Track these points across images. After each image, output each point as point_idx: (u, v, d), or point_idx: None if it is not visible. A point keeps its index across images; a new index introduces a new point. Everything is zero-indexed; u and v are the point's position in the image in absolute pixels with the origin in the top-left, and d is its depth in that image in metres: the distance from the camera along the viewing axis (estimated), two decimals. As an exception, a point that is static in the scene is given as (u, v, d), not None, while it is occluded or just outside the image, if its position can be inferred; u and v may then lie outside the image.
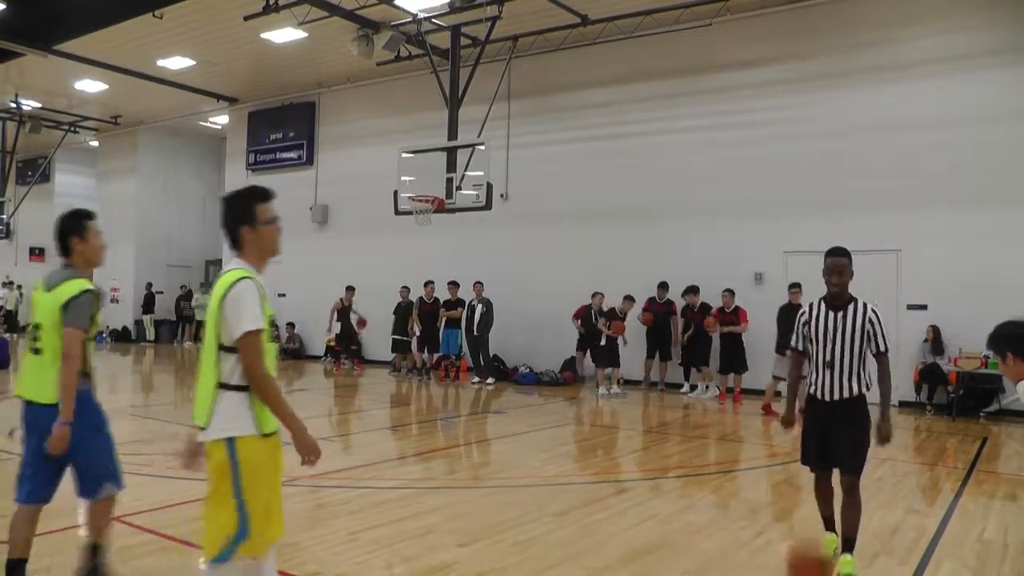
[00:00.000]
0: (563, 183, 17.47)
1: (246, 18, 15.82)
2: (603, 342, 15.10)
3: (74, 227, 4.43)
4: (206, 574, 3.41)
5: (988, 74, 13.31)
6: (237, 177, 24.11)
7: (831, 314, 5.15)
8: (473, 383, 16.33)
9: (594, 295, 15.74)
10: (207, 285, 25.54)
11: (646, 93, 16.61)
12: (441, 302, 17.15)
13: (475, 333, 16.40)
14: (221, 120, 25.63)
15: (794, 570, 4.32)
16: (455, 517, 6.39)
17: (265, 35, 17.48)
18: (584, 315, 15.85)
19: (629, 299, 15.47)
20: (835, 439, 5.13)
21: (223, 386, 3.41)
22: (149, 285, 26.17)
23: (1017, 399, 3.73)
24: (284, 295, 22.11)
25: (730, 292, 14.57)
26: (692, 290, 15.18)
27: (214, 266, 26.97)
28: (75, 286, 4.29)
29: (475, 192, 14.51)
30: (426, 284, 17.22)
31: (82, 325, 4.25)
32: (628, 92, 16.85)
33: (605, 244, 16.77)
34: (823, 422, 5.18)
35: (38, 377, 4.29)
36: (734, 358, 14.46)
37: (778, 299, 14.49)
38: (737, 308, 14.52)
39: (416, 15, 15.64)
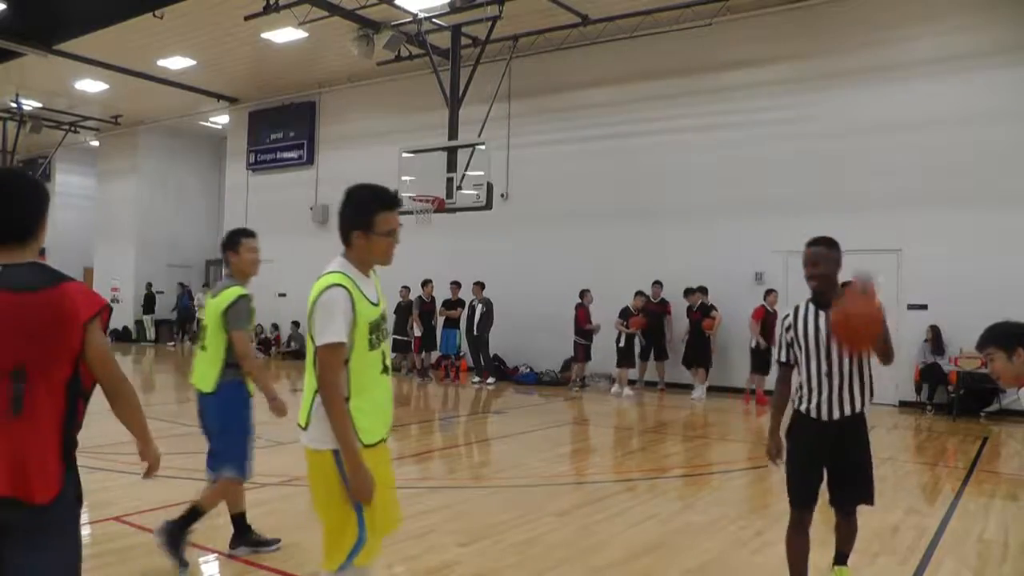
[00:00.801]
0: (563, 183, 17.47)
1: (246, 18, 15.84)
2: (622, 342, 15.13)
3: (230, 243, 5.14)
4: None
5: (988, 74, 13.32)
6: (238, 177, 24.17)
7: (821, 314, 4.27)
8: (473, 383, 16.34)
9: (583, 293, 15.79)
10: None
11: (646, 93, 16.61)
12: (440, 302, 17.17)
13: (475, 333, 16.41)
14: (221, 120, 25.63)
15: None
16: (455, 517, 6.39)
17: (265, 35, 17.49)
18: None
19: (641, 295, 15.47)
20: (843, 469, 4.32)
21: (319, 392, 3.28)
22: (149, 285, 26.18)
23: (1016, 399, 3.64)
24: (285, 295, 22.12)
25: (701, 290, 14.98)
26: (697, 290, 15.18)
27: (214, 266, 26.96)
28: (232, 293, 4.97)
29: (475, 192, 14.51)
30: (424, 283, 17.23)
31: (244, 326, 4.92)
32: (628, 92, 16.85)
33: (605, 244, 16.76)
34: (821, 447, 4.30)
35: (201, 369, 5.06)
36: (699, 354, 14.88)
37: (780, 299, 14.53)
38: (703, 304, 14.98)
39: (416, 15, 15.65)
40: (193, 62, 20.02)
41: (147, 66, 20.24)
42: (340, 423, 3.18)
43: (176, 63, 20.06)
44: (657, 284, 15.62)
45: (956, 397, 12.61)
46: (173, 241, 27.36)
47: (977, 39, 13.46)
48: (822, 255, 4.33)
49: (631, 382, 15.64)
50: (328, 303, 3.26)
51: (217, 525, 5.90)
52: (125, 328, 26.57)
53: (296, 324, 21.63)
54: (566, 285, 16.78)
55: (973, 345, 3.63)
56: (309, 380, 3.32)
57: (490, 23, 15.11)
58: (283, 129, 23.05)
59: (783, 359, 4.43)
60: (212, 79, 21.70)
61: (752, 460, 9.51)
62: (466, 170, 14.89)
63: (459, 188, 14.81)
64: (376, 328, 3.40)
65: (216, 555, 5.22)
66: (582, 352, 15.97)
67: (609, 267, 16.49)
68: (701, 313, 14.96)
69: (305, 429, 3.33)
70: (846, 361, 4.23)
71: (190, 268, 27.59)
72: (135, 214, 26.79)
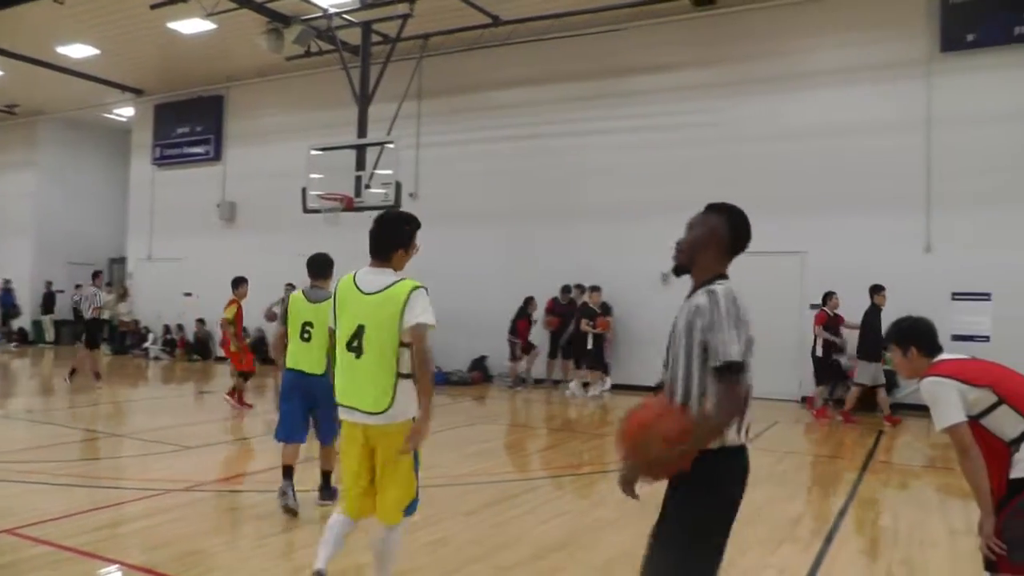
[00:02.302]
0: (475, 183, 17.50)
1: (152, 6, 15.41)
2: (590, 343, 14.87)
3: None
4: (389, 534, 4.25)
5: (886, 86, 13.85)
6: (143, 172, 23.44)
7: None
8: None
9: (528, 300, 15.85)
10: (112, 284, 24.72)
11: (558, 95, 16.76)
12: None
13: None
14: (126, 112, 24.79)
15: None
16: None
17: (172, 25, 17.04)
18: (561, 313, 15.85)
19: (597, 290, 15.48)
20: None
21: (401, 376, 4.03)
22: (49, 284, 25.12)
23: (909, 393, 3.88)
24: (191, 294, 21.61)
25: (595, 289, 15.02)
26: (586, 289, 15.33)
27: (118, 264, 26.08)
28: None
29: (384, 191, 14.42)
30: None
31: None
32: (541, 93, 16.98)
33: (518, 244, 16.84)
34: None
35: (314, 355, 6.35)
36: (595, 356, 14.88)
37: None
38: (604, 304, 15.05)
39: (327, 10, 15.47)
40: (96, 51, 19.29)
41: (46, 53, 19.37)
42: (431, 383, 4.09)
43: (78, 51, 19.30)
44: (566, 288, 15.81)
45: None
46: (74, 238, 26.22)
47: (876, 52, 14.00)
48: (692, 222, 3.19)
49: (538, 381, 15.75)
50: (425, 298, 4.07)
51: (121, 534, 5.76)
52: (22, 329, 25.38)
53: (202, 322, 21.07)
54: (476, 284, 16.82)
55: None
56: (386, 367, 4.02)
57: (401, 21, 15.03)
58: (190, 123, 22.44)
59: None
60: (116, 69, 20.97)
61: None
62: (375, 168, 14.80)
63: (368, 187, 14.68)
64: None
65: (118, 565, 5.07)
66: (518, 350, 15.95)
67: (519, 267, 16.57)
68: (579, 311, 15.11)
69: (386, 411, 4.01)
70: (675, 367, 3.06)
71: (93, 266, 26.57)
72: (33, 209, 25.57)
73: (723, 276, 3.03)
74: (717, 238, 3.09)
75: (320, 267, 6.83)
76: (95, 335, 15.20)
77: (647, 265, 15.36)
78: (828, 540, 5.95)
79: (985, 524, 3.57)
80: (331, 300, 4.37)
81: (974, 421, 3.58)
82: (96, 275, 15.85)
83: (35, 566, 5.00)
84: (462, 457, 9.13)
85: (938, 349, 3.82)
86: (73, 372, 14.87)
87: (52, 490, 6.88)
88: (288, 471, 6.39)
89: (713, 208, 3.18)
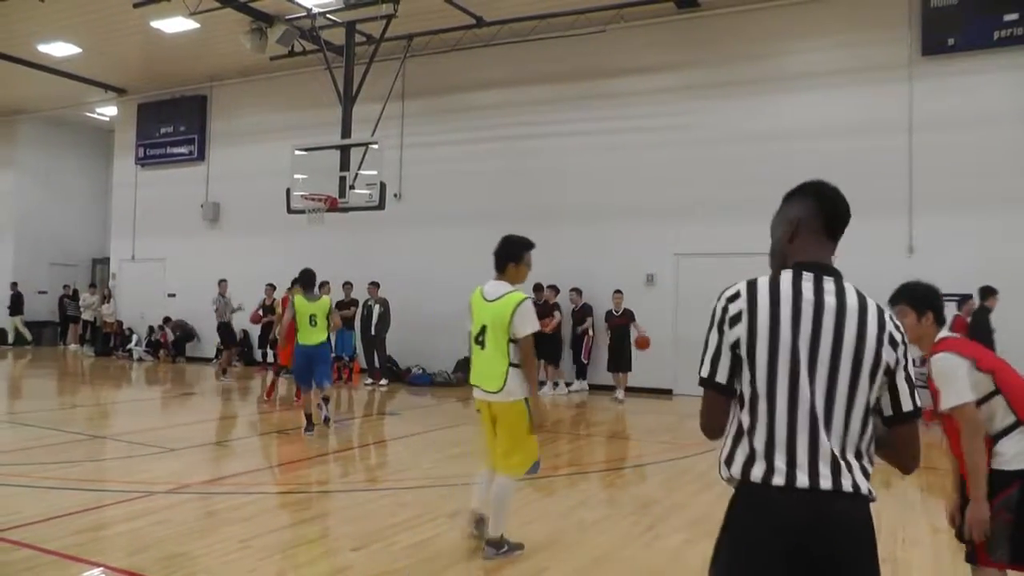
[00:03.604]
0: (458, 184, 17.51)
1: (135, 5, 15.34)
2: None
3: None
4: (506, 483, 5.40)
5: (875, 88, 13.99)
6: (126, 172, 23.29)
7: None
8: (366, 385, 16.20)
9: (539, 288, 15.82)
10: (95, 285, 24.57)
11: (541, 96, 16.81)
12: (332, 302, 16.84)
13: (372, 334, 16.27)
14: (109, 112, 24.62)
15: None
16: (349, 521, 6.36)
17: (155, 23, 16.97)
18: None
19: (558, 290, 15.66)
20: None
21: (512, 365, 5.30)
22: (14, 285, 24.58)
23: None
24: (174, 295, 21.53)
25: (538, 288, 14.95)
26: (547, 288, 15.41)
27: (101, 264, 25.92)
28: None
29: (368, 192, 14.40)
30: (320, 284, 16.64)
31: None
32: (524, 94, 17.01)
33: (500, 244, 16.82)
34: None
35: (313, 335, 10.34)
36: (619, 358, 14.81)
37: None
38: (626, 310, 14.84)
39: (310, 10, 15.45)
40: (78, 49, 19.14)
41: (27, 51, 19.22)
42: (535, 376, 5.50)
43: (59, 49, 19.13)
44: (538, 288, 15.83)
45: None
46: (57, 238, 26.00)
47: (858, 56, 14.13)
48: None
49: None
50: (528, 307, 5.33)
51: (105, 536, 5.75)
52: (2, 331, 25.16)
53: (168, 320, 20.99)
54: (460, 285, 16.72)
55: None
56: (501, 357, 5.32)
57: (385, 21, 15.01)
58: (173, 123, 22.31)
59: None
60: (98, 68, 20.83)
61: (644, 457, 9.76)
62: (359, 169, 14.77)
63: (352, 187, 14.64)
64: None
65: (101, 569, 5.05)
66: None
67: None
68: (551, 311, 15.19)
69: (500, 391, 5.31)
70: None
71: (75, 267, 26.43)
72: (13, 209, 25.28)
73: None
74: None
75: (311, 279, 10.61)
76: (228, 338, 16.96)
77: (631, 266, 15.45)
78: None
79: (979, 509, 3.52)
80: (324, 299, 9.21)
81: None
82: (221, 283, 17.01)
83: (17, 570, 4.98)
84: (446, 458, 9.15)
85: (944, 322, 3.76)
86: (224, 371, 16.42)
87: (34, 492, 6.85)
88: (309, 418, 10.21)
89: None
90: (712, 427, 2.34)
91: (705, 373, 2.31)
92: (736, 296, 2.29)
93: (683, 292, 14.96)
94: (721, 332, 2.28)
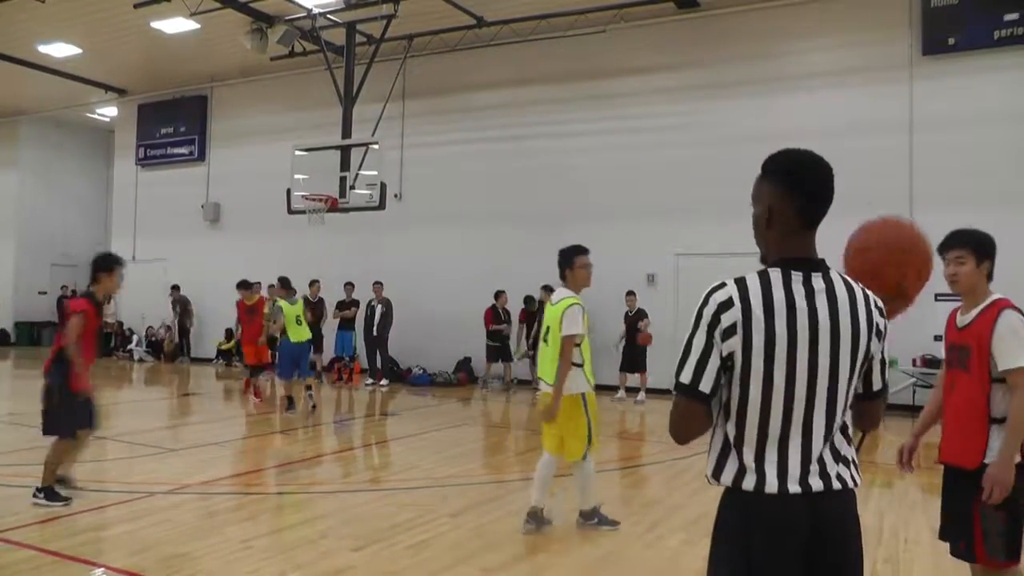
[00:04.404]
0: (458, 184, 17.51)
1: (136, 5, 15.34)
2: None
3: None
4: (578, 469, 6.02)
5: (875, 88, 13.99)
6: (126, 172, 23.29)
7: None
8: (367, 385, 16.19)
9: (498, 294, 15.90)
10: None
11: (542, 96, 16.81)
12: (326, 302, 16.74)
13: (375, 334, 16.26)
14: (110, 112, 24.64)
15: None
16: (349, 521, 6.36)
17: (156, 24, 16.98)
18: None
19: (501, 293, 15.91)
20: None
21: (574, 364, 5.89)
22: None
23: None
24: (177, 287, 21.50)
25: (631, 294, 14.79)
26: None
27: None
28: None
29: (369, 192, 14.38)
30: (311, 283, 16.46)
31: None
32: (524, 95, 17.01)
33: (501, 245, 16.85)
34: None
35: (301, 333, 12.30)
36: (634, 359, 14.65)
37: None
38: (639, 310, 14.73)
39: (311, 10, 15.45)
40: (79, 50, 19.15)
41: (27, 52, 19.23)
42: (564, 378, 5.84)
43: (60, 50, 19.15)
44: (499, 294, 16.03)
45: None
46: (58, 239, 25.99)
47: (859, 56, 14.15)
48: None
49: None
50: (574, 312, 5.87)
51: (105, 537, 5.75)
52: (3, 331, 25.17)
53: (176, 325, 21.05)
54: (460, 286, 16.83)
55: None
56: (553, 356, 5.88)
57: (385, 21, 15.00)
58: (174, 124, 22.32)
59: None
60: (99, 68, 20.85)
61: (645, 457, 9.75)
62: (360, 169, 14.76)
63: (352, 187, 14.63)
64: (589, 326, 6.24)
65: (102, 569, 5.06)
66: (492, 353, 16.02)
67: (504, 268, 16.57)
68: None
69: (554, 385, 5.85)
70: None
71: (76, 267, 26.38)
72: (14, 210, 25.32)
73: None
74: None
75: (289, 284, 12.51)
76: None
77: (632, 266, 15.44)
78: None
79: (1009, 471, 3.43)
80: (299, 302, 12.21)
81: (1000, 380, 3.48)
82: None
83: (18, 571, 4.98)
84: (446, 459, 9.15)
85: (993, 276, 3.67)
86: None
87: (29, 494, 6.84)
88: (291, 400, 12.02)
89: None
90: (687, 435, 2.23)
91: (687, 380, 2.18)
92: (729, 304, 2.18)
93: (684, 292, 14.95)
94: (711, 340, 2.17)
